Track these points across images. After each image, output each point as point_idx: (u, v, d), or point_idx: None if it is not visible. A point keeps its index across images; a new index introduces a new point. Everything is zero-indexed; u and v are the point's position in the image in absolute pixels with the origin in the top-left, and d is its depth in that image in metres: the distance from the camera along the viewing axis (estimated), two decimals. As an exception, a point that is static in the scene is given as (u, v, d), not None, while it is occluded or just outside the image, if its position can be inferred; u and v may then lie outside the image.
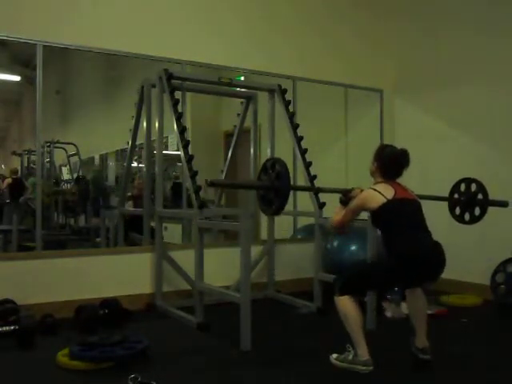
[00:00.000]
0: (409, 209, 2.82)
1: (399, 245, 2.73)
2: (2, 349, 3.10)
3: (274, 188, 2.89)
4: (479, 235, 4.78)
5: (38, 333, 3.24)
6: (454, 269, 5.01)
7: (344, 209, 2.98)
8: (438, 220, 4.99)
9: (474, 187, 3.45)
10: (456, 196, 3.56)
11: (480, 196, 3.42)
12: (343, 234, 3.92)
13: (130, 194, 4.79)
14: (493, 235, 4.66)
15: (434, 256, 2.76)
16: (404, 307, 3.86)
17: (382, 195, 2.76)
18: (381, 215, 2.80)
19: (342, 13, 5.43)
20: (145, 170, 4.67)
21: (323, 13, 5.30)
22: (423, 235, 2.80)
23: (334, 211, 3.09)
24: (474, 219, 3.47)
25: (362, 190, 2.91)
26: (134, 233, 4.68)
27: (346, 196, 3.01)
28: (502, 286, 4.47)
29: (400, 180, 2.92)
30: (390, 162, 2.87)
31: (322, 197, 4.25)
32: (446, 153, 5.19)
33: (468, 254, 4.87)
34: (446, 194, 5.04)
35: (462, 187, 3.52)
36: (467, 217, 3.51)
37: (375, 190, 2.81)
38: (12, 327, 3.21)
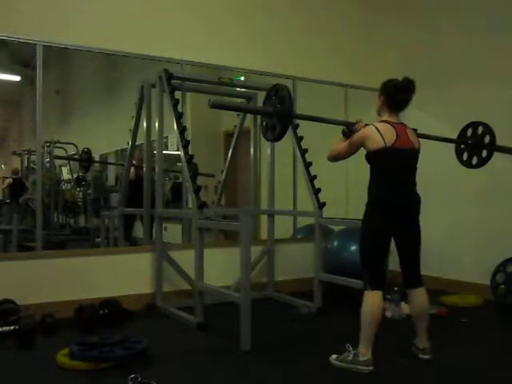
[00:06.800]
0: (402, 161, 2.83)
1: (378, 190, 2.82)
2: (2, 349, 3.10)
3: (277, 113, 2.71)
4: (479, 235, 4.80)
5: (38, 333, 3.24)
6: (454, 269, 5.11)
7: (345, 141, 2.98)
8: (439, 220, 5.07)
9: (480, 130, 3.35)
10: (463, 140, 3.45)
11: (487, 138, 3.32)
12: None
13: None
14: (492, 235, 4.66)
15: (406, 202, 2.84)
16: (404, 307, 3.86)
17: (382, 138, 2.75)
18: (374, 158, 2.82)
19: (341, 13, 5.43)
20: (144, 170, 4.68)
21: (323, 13, 5.30)
22: (405, 189, 2.85)
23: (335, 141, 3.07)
24: (482, 162, 3.36)
25: (366, 125, 2.89)
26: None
27: (349, 129, 2.98)
28: (502, 286, 4.47)
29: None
30: (396, 91, 2.86)
31: (322, 197, 4.26)
32: (447, 153, 5.17)
33: (468, 254, 4.88)
34: (445, 191, 5.13)
35: (469, 132, 3.41)
36: (475, 160, 3.40)
37: (377, 128, 2.79)
38: (12, 327, 3.21)
